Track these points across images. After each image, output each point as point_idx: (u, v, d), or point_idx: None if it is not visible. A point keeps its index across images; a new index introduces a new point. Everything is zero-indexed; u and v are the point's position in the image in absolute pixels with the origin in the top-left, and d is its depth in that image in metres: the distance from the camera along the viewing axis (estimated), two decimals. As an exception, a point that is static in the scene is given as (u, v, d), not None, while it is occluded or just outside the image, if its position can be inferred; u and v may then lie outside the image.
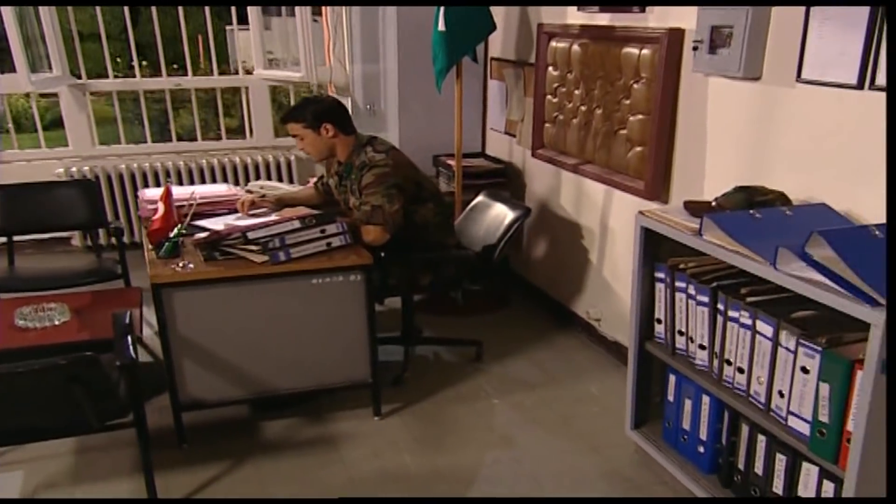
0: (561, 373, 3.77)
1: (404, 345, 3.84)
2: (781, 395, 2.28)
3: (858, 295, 1.90)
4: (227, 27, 6.02)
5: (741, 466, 2.56)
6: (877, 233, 2.04)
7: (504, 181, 4.70)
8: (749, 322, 2.37)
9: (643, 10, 3.37)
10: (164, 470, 2.95)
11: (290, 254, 3.07)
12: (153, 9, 5.77)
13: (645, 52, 3.31)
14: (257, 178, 5.82)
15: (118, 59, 5.92)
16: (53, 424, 2.59)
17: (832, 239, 2.00)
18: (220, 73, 6.35)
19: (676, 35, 3.14)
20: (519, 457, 3.07)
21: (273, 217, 3.35)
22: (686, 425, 2.79)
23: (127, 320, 2.82)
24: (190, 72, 6.06)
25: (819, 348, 2.10)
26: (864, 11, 2.31)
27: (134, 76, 5.87)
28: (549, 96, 4.14)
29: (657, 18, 3.29)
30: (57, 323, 3.30)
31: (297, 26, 5.51)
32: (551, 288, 4.51)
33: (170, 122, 6.13)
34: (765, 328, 2.31)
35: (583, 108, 3.82)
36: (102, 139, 5.85)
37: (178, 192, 3.75)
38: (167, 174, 5.62)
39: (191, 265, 3.02)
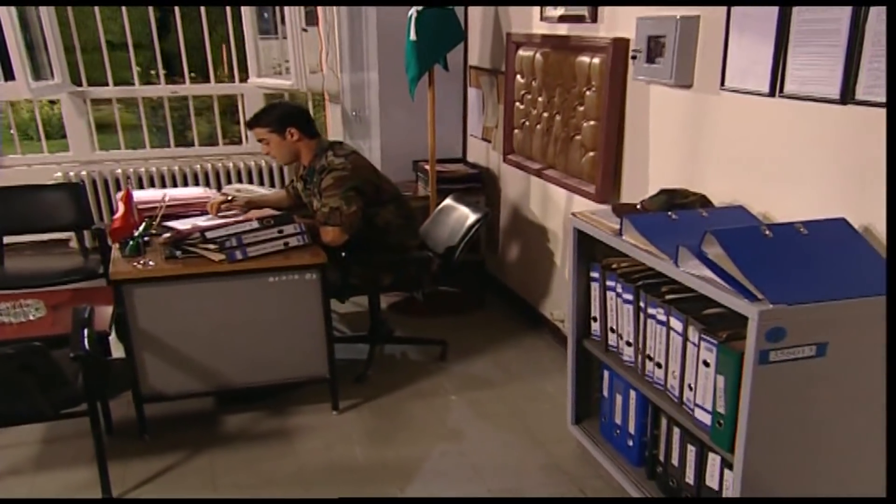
0: (523, 372, 3.88)
1: (370, 343, 3.96)
2: (691, 388, 2.38)
3: (740, 290, 2.00)
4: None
5: (662, 458, 2.66)
6: (767, 232, 2.14)
7: (480, 186, 4.82)
8: (664, 319, 2.47)
9: (595, 21, 3.48)
10: (124, 459, 3.10)
11: (247, 253, 3.21)
12: (151, 13, 5.97)
13: (595, 60, 3.42)
14: (251, 182, 5.99)
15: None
16: (10, 411, 2.74)
17: (722, 238, 2.11)
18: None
19: (621, 44, 3.25)
20: (465, 450, 3.19)
21: (236, 218, 3.50)
22: (618, 420, 2.89)
23: (86, 315, 2.96)
24: (187, 80, 6.26)
25: (715, 342, 2.20)
26: (773, 22, 2.41)
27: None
28: (517, 103, 4.26)
29: (606, 28, 3.40)
30: (32, 318, 3.44)
31: (287, 35, 5.66)
32: (522, 290, 4.62)
33: (168, 128, 6.32)
34: (676, 324, 2.41)
35: (545, 114, 3.93)
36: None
37: (151, 194, 3.91)
38: (162, 178, 5.80)
39: (151, 263, 3.17)
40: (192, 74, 6.27)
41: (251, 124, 3.66)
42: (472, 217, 3.86)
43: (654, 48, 2.99)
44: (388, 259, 3.72)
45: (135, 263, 3.15)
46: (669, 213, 2.55)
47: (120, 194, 3.69)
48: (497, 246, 4.91)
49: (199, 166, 5.91)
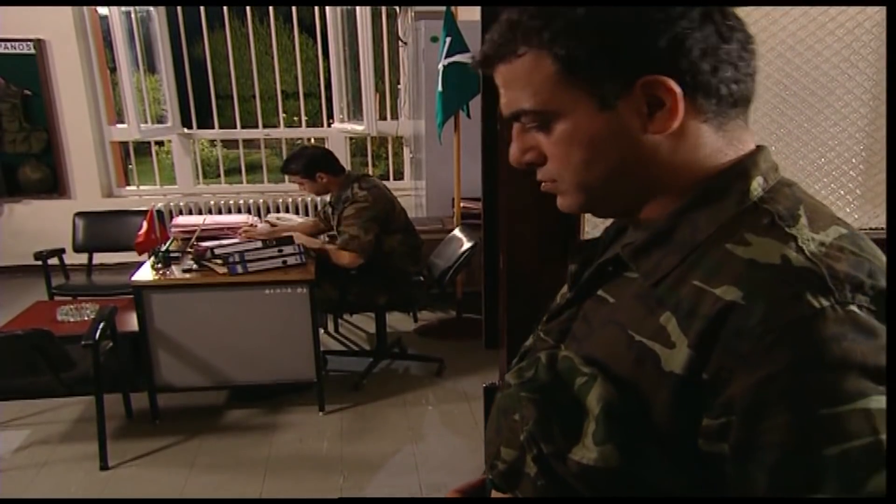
0: (507, 391, 4.21)
1: (372, 357, 4.43)
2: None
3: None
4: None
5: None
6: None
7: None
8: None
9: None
10: (132, 437, 3.71)
11: (248, 267, 3.76)
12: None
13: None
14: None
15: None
16: (28, 386, 3.36)
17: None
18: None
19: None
20: (417, 450, 3.58)
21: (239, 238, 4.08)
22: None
23: (107, 313, 3.59)
24: (282, 123, 7.05)
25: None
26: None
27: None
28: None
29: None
30: (86, 318, 4.13)
31: (361, 86, 6.28)
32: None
33: (263, 166, 7.10)
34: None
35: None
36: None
37: (194, 219, 4.56)
38: (247, 208, 6.54)
39: (169, 273, 3.77)
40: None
41: (284, 170, 4.24)
42: (465, 245, 4.27)
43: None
44: (383, 279, 4.17)
45: (157, 273, 3.76)
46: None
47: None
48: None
49: (280, 199, 6.61)
